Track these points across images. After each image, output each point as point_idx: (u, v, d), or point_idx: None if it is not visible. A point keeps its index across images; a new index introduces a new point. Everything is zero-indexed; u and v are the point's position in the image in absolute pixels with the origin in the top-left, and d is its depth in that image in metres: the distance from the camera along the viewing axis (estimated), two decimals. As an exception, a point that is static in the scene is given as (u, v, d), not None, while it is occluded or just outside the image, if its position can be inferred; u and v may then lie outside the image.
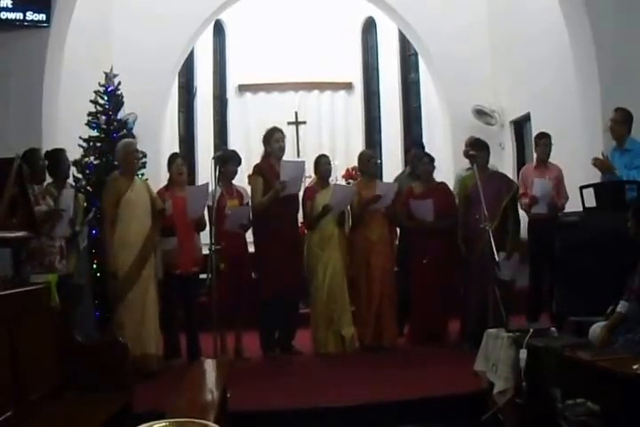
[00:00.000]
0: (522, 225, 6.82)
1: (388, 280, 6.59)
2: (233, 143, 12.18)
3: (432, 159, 6.94)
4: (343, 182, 10.45)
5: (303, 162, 6.67)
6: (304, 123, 12.59)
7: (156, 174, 7.95)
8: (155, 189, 6.23)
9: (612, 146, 6.12)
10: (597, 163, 5.92)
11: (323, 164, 6.72)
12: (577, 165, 6.44)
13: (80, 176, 6.96)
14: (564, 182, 6.69)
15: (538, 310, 6.55)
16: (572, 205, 6.49)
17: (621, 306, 4.11)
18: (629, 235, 4.26)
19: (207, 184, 5.90)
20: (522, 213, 6.68)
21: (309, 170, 7.02)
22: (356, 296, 6.51)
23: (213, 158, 5.76)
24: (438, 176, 7.17)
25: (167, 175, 6.52)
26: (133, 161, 6.00)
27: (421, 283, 6.60)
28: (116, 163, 6.43)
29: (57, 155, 5.87)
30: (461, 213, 6.50)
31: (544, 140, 6.79)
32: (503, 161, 9.69)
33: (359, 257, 6.53)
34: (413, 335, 6.79)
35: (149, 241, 5.73)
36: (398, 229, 7.08)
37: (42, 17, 6.89)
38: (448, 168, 9.56)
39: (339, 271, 6.42)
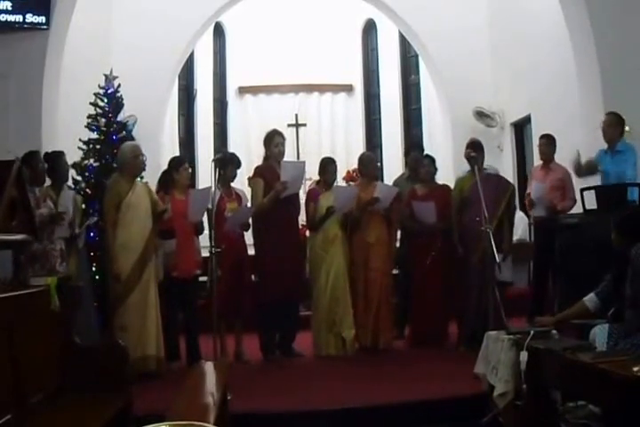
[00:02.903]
0: (522, 226, 6.84)
1: (386, 282, 6.58)
2: (233, 145, 12.19)
3: (433, 160, 6.93)
4: (344, 184, 10.44)
5: (303, 162, 6.67)
6: (304, 125, 12.59)
7: (156, 177, 7.93)
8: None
9: (602, 149, 6.16)
10: (585, 165, 6.06)
11: (330, 171, 6.66)
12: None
13: (79, 178, 6.97)
14: (570, 184, 6.59)
15: (540, 312, 6.54)
16: (574, 207, 6.49)
17: (589, 301, 4.21)
18: (613, 246, 4.27)
19: (210, 188, 5.86)
20: (520, 213, 6.69)
21: (313, 172, 7.00)
22: (354, 298, 6.49)
23: (213, 161, 5.74)
24: (439, 178, 7.15)
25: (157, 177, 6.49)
26: (139, 165, 5.96)
27: (422, 285, 6.58)
28: (115, 165, 6.42)
29: (56, 158, 5.87)
30: (456, 214, 6.49)
31: (542, 140, 6.82)
32: (502, 163, 9.69)
33: (357, 259, 6.52)
34: (414, 337, 6.78)
35: (150, 244, 5.72)
36: (399, 231, 7.05)
37: (41, 19, 6.91)
38: (449, 170, 9.56)
39: (342, 273, 6.41)
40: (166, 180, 6.32)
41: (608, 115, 6.19)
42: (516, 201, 6.77)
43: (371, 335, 6.47)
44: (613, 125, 6.10)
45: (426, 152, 7.38)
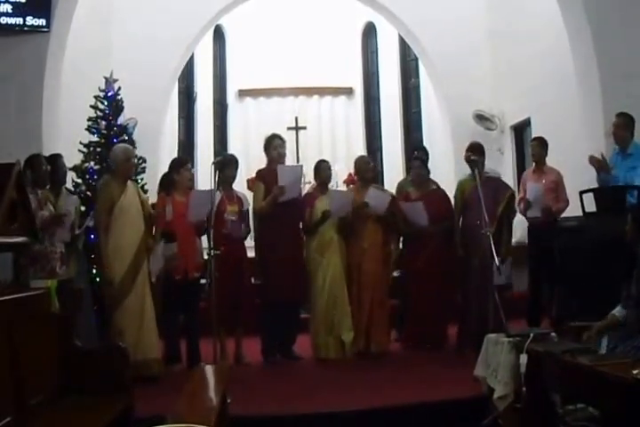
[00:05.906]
0: (521, 229, 6.84)
1: (380, 286, 6.54)
2: (233, 148, 12.21)
3: (424, 163, 6.93)
4: (344, 188, 10.45)
5: (300, 166, 6.68)
6: (304, 128, 12.60)
7: (155, 180, 7.94)
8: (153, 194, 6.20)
9: (615, 150, 6.13)
10: (594, 161, 5.94)
11: (323, 168, 6.71)
12: (578, 170, 6.44)
13: (80, 181, 6.97)
14: (562, 186, 6.63)
15: (538, 314, 6.54)
16: (573, 210, 6.48)
17: (618, 312, 4.11)
18: (625, 238, 4.25)
19: (212, 190, 5.83)
20: (520, 216, 6.70)
21: (309, 176, 7.01)
22: (351, 301, 6.47)
23: (213, 164, 5.74)
24: (440, 181, 7.16)
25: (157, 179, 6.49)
26: (131, 168, 5.98)
27: (419, 288, 6.58)
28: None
29: (54, 161, 5.87)
30: (458, 217, 6.50)
31: (533, 142, 6.87)
32: (503, 166, 9.71)
33: (352, 263, 6.51)
34: (409, 338, 6.78)
35: (143, 246, 5.70)
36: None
37: (42, 22, 6.91)
38: (449, 173, 9.57)
39: (338, 276, 6.40)
40: (167, 181, 6.30)
41: (618, 116, 6.08)
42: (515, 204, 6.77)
43: (364, 339, 6.44)
44: (624, 127, 6.03)
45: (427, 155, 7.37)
